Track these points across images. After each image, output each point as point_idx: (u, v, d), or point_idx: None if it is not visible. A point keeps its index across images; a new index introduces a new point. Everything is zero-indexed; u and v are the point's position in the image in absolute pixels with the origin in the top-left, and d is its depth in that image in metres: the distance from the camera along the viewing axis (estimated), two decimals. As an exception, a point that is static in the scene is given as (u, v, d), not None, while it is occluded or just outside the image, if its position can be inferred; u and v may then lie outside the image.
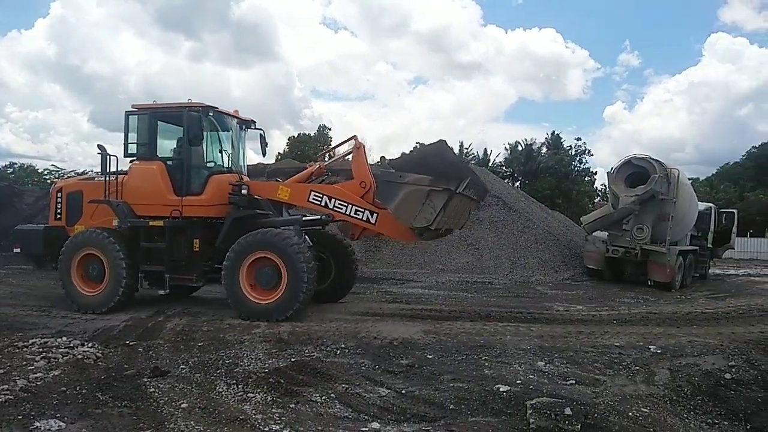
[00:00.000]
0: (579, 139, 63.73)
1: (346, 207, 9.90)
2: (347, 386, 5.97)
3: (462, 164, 9.30)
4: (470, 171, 9.82)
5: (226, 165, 10.85)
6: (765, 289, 16.61)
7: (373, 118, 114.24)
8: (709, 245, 20.34)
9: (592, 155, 57.74)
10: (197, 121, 9.93)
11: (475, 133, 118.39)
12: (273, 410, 5.25)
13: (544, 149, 57.18)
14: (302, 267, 9.23)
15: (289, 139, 61.91)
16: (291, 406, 5.39)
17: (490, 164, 53.59)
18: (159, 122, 10.34)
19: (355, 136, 10.46)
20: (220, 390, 5.79)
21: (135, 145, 10.34)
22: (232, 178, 10.48)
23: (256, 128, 11.38)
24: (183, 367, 6.55)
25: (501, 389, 5.75)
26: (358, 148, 10.30)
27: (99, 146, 10.42)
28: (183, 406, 5.27)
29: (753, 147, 62.86)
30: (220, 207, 10.21)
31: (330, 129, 63.79)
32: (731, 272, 23.69)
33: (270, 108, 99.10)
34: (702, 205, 19.69)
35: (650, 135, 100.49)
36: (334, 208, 9.97)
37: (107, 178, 10.22)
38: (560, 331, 8.72)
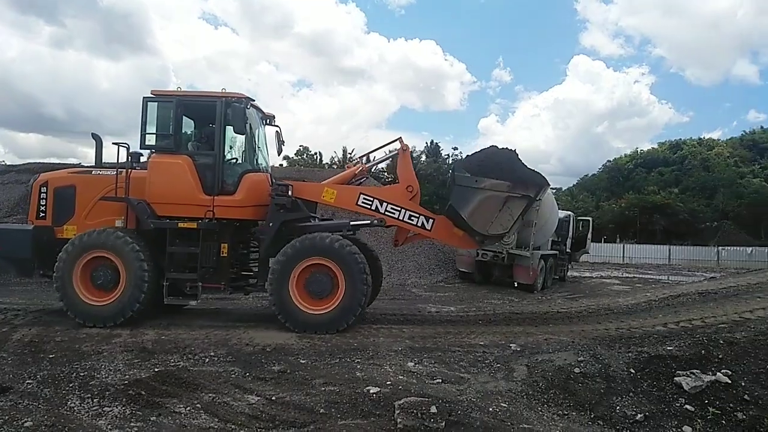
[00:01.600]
0: (456, 148, 66.52)
1: (399, 212, 9.48)
2: (214, 395, 5.78)
3: (537, 173, 9.02)
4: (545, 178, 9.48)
5: (256, 163, 9.92)
6: (613, 290, 18.32)
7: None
8: (568, 250, 22.04)
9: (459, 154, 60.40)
10: (242, 113, 8.99)
11: (359, 138, 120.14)
12: (131, 424, 4.96)
13: (424, 157, 59.09)
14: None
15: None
16: (152, 418, 5.12)
17: (372, 170, 54.37)
18: (184, 112, 9.32)
19: (400, 137, 9.99)
20: (72, 405, 5.37)
21: (154, 135, 9.23)
22: (265, 178, 9.71)
23: (273, 124, 10.43)
24: (30, 381, 6.00)
25: (371, 391, 5.85)
26: (405, 151, 9.86)
27: (93, 135, 9.13)
28: (27, 424, 4.84)
29: (608, 161, 69.61)
30: (255, 208, 9.43)
31: (208, 127, 61.37)
32: (586, 275, 25.86)
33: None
34: (562, 213, 21.26)
35: (520, 147, 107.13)
36: (386, 213, 9.49)
37: (118, 173, 9.10)
38: (430, 331, 9.02)
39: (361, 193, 9.67)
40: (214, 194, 9.04)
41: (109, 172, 9.42)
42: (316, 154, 62.07)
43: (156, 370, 6.52)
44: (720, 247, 43.07)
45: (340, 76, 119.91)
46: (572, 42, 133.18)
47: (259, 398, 5.76)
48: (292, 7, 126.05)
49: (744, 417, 5.56)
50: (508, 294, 15.92)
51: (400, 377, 6.44)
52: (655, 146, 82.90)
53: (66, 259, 8.86)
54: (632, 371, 6.43)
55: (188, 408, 5.42)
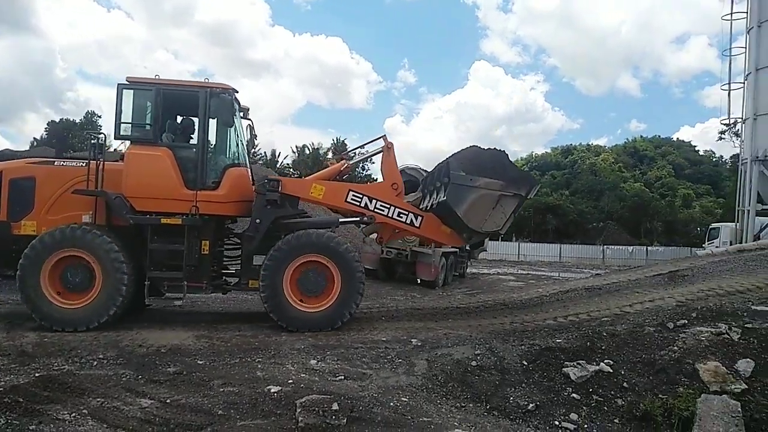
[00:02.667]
0: (362, 146, 66.93)
1: (389, 209, 9.35)
2: (103, 400, 5.45)
3: (527, 173, 9.22)
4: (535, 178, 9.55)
5: (238, 157, 9.57)
6: (509, 286, 19.21)
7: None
8: (467, 247, 22.82)
9: (373, 163, 60.93)
10: (230, 104, 8.83)
11: (264, 133, 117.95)
12: (6, 435, 4.56)
13: (330, 155, 58.95)
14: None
15: (48, 124, 54.95)
16: (31, 427, 4.75)
17: (278, 166, 53.59)
18: (164, 101, 8.76)
19: (384, 135, 9.85)
20: (-65, 417, 4.85)
21: (130, 125, 8.77)
22: (246, 172, 9.31)
23: (247, 117, 9.80)
24: None
25: (272, 390, 5.75)
26: (389, 148, 9.69)
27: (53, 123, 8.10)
28: None
29: (505, 163, 72.32)
30: (237, 204, 9.14)
31: (100, 116, 57.73)
32: (484, 271, 26.93)
33: (24, 87, 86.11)
34: (462, 212, 21.95)
35: (423, 147, 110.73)
36: (376, 210, 9.33)
37: (90, 164, 8.45)
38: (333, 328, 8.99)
39: (350, 190, 9.55)
40: (197, 189, 8.66)
41: (74, 163, 8.90)
42: (218, 148, 60.04)
43: (37, 375, 6.05)
44: (605, 246, 46.50)
45: (244, 68, 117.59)
46: (473, 48, 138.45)
47: (152, 401, 5.49)
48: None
49: (623, 403, 6.01)
50: (410, 290, 16.24)
51: (302, 375, 6.37)
52: (549, 151, 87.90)
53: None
54: (525, 363, 6.75)
55: (73, 414, 5.07)
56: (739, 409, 5.66)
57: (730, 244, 24.12)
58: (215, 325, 9.04)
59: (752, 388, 6.02)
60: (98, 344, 7.37)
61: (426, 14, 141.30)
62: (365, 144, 10.54)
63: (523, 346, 7.19)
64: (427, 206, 10.05)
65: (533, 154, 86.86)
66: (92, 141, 8.93)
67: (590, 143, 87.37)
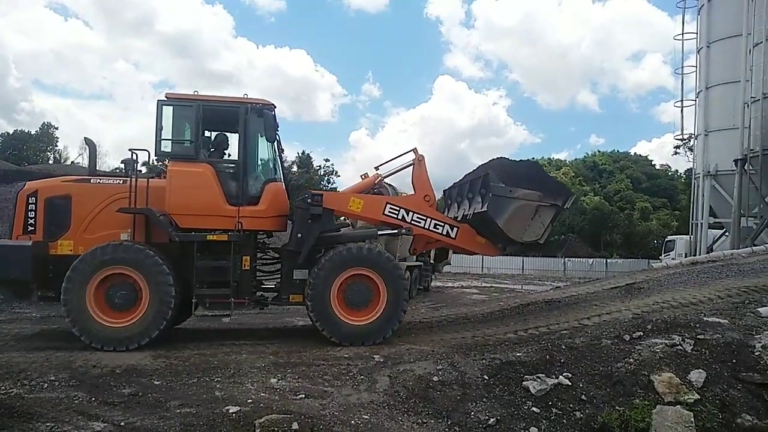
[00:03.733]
0: (327, 160, 66.91)
1: (425, 221, 9.51)
2: (53, 425, 5.28)
3: (563, 183, 9.30)
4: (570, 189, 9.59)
5: (275, 171, 9.68)
6: (472, 300, 19.34)
7: (111, 120, 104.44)
8: (431, 261, 22.91)
9: (339, 176, 60.91)
10: (273, 120, 8.95)
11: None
12: (-53, 464, 4.36)
13: (295, 167, 58.69)
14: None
15: (1, 136, 53.17)
16: (-26, 456, 4.54)
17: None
18: (203, 117, 8.80)
19: (415, 148, 9.95)
20: None
21: (170, 142, 8.75)
22: (282, 187, 9.33)
23: None
24: None
25: (231, 410, 5.66)
26: (420, 161, 9.75)
27: (86, 140, 8.21)
28: None
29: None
30: (276, 219, 9.25)
31: (57, 128, 56.29)
32: (449, 284, 27.06)
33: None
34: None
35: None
36: (413, 222, 9.47)
37: (132, 181, 8.42)
38: (296, 346, 8.88)
39: (387, 203, 9.62)
40: (239, 204, 8.67)
41: (111, 181, 8.88)
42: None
43: (-18, 399, 5.80)
44: (566, 259, 47.29)
45: (206, 79, 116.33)
46: (437, 62, 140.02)
47: (105, 425, 5.34)
48: (154, 4, 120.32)
49: (582, 416, 6.11)
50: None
51: (262, 394, 6.28)
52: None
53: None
54: (486, 377, 6.80)
55: (20, 441, 4.88)
56: (692, 419, 5.84)
57: (685, 257, 24.83)
58: (173, 343, 8.81)
59: (704, 398, 6.21)
60: (50, 365, 7.11)
61: (390, 28, 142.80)
62: (397, 156, 10.58)
63: (484, 361, 7.23)
64: (457, 216, 10.24)
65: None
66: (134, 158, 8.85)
67: (551, 157, 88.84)
